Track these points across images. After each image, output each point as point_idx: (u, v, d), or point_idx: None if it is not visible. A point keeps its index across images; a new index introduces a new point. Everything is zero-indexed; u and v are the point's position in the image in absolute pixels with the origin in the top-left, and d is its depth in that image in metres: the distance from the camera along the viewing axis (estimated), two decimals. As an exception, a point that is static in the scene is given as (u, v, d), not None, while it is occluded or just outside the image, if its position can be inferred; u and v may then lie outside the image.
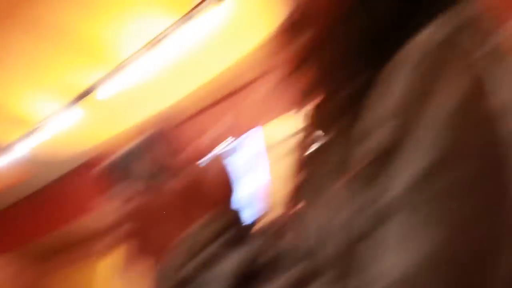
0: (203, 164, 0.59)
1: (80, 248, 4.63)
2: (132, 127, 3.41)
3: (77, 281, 4.46)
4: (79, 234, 4.36)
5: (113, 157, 0.63)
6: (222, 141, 0.76)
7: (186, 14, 2.40)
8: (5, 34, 2.28)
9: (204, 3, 2.33)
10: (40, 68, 2.58)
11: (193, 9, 2.37)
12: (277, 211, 0.66)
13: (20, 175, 3.55)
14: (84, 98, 2.82)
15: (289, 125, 0.66)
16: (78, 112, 2.93)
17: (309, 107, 0.59)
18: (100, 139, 3.46)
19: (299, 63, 0.50)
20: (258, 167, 2.79)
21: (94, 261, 4.44)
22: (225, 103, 3.18)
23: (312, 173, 0.58)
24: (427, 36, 0.37)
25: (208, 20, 2.45)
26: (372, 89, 0.39)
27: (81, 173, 4.01)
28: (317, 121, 0.57)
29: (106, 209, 0.57)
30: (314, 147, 0.62)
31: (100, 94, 2.78)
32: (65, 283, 4.52)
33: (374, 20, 0.43)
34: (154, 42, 2.51)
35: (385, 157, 0.36)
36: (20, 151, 3.18)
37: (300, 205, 0.59)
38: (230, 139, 0.78)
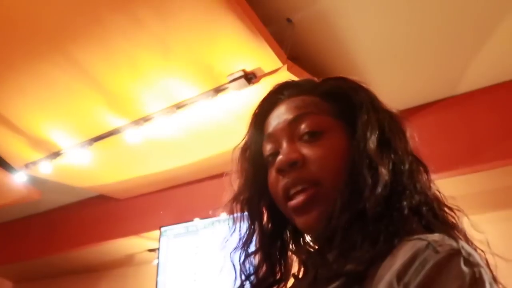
0: None
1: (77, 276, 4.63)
2: (143, 176, 3.47)
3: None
4: (80, 262, 4.38)
5: None
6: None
7: (215, 88, 2.46)
8: (42, 65, 2.40)
9: (234, 83, 2.38)
10: (70, 104, 2.67)
11: (222, 85, 2.43)
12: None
13: (33, 193, 3.64)
14: (104, 140, 2.90)
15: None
16: (96, 150, 3.01)
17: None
18: (112, 179, 3.53)
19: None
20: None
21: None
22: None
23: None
24: (413, 244, 0.57)
25: (235, 98, 2.50)
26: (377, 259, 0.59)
27: (89, 205, 4.08)
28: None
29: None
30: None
31: (121, 138, 2.86)
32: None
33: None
34: (179, 105, 2.58)
35: None
36: (38, 172, 3.28)
37: None
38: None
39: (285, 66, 2.28)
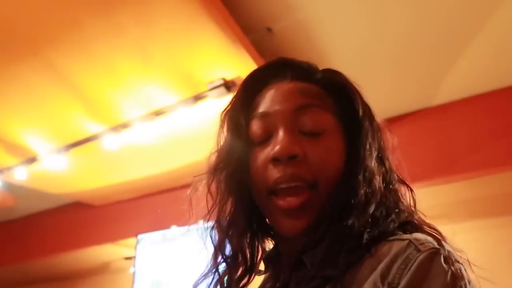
0: None
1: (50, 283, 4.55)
2: (120, 182, 3.44)
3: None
4: (55, 270, 4.30)
5: None
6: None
7: (195, 96, 2.47)
8: (19, 68, 2.36)
9: (214, 91, 2.39)
10: (47, 108, 2.64)
11: (201, 93, 2.44)
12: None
13: (7, 200, 3.57)
14: (81, 146, 2.87)
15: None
16: (73, 156, 2.97)
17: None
18: (89, 186, 3.49)
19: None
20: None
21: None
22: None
23: None
24: (395, 244, 0.56)
25: (214, 106, 2.51)
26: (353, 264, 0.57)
27: (65, 212, 4.02)
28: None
29: None
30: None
31: (99, 144, 2.83)
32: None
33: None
34: (158, 112, 2.57)
35: None
36: (13, 178, 3.22)
37: None
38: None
39: (265, 75, 2.29)
